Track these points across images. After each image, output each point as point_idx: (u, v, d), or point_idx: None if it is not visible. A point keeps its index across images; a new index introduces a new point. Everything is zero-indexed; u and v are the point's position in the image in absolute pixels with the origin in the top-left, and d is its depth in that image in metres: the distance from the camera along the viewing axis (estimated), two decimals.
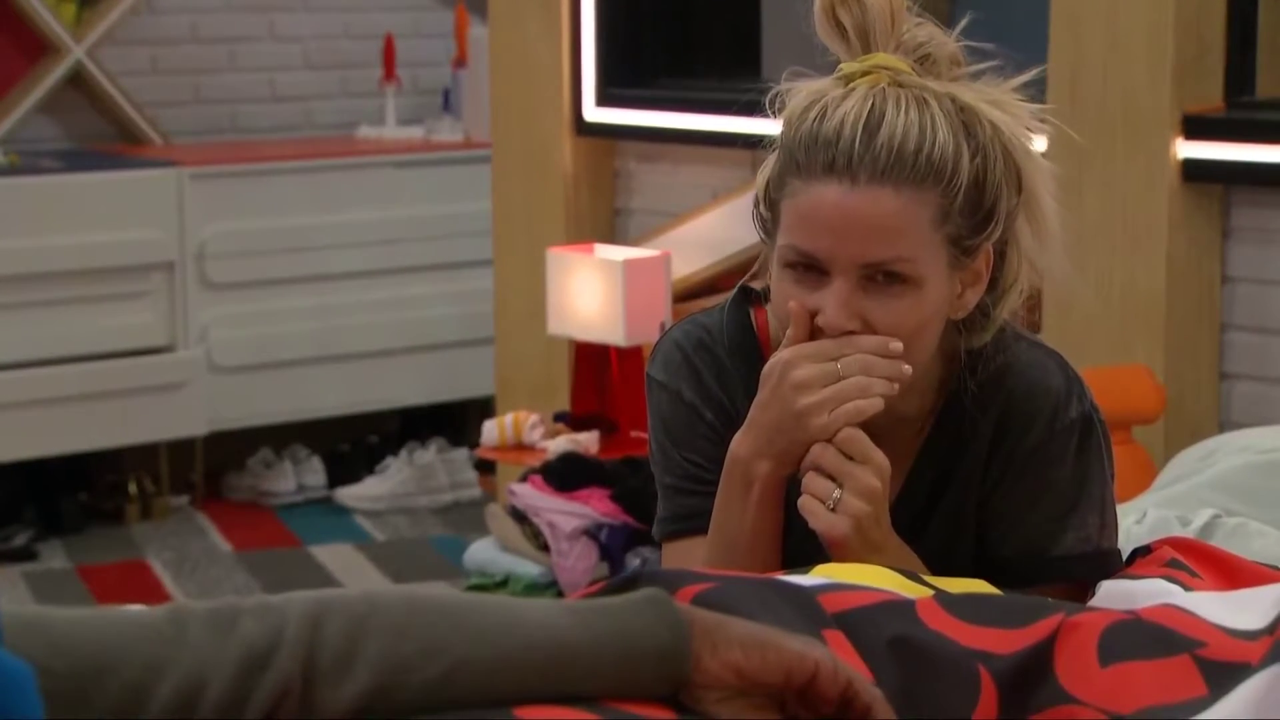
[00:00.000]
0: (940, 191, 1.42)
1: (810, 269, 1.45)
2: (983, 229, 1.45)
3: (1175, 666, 1.21)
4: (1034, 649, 1.22)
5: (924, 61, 1.46)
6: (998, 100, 1.48)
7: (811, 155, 1.43)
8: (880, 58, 1.45)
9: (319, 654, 1.01)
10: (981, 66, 1.50)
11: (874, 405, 1.43)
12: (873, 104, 1.43)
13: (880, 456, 1.44)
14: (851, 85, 1.44)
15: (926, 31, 1.48)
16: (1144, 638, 1.24)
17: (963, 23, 1.52)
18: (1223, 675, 1.19)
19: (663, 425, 1.57)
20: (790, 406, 1.43)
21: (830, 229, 1.42)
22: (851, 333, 1.44)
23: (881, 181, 1.41)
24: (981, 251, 1.46)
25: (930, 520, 1.53)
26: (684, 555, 1.55)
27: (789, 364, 1.44)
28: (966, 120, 1.44)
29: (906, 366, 1.44)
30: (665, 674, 1.09)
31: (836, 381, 1.43)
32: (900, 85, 1.44)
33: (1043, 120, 1.52)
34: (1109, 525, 1.53)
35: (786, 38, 4.21)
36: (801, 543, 1.49)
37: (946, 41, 1.48)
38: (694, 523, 1.55)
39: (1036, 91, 1.55)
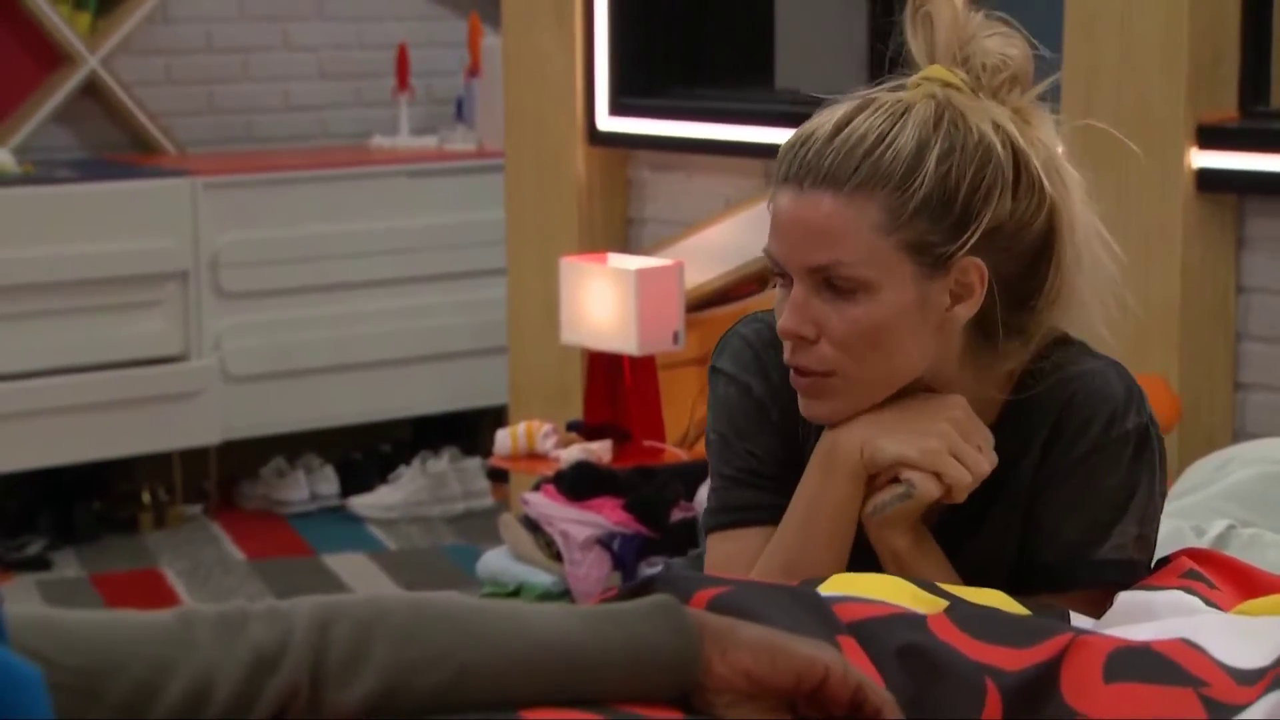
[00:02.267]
0: (888, 194, 1.43)
1: (784, 274, 1.48)
2: (956, 236, 1.44)
3: (1179, 696, 1.22)
4: (1041, 666, 1.23)
5: (971, 72, 1.48)
6: (1020, 109, 1.48)
7: (779, 163, 1.48)
8: (932, 70, 1.48)
9: (326, 657, 1.01)
10: (1003, 74, 1.50)
11: (963, 488, 1.47)
12: (844, 113, 1.46)
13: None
14: (870, 96, 1.48)
15: (983, 44, 1.49)
16: (1150, 664, 1.25)
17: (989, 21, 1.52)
18: (1225, 712, 1.21)
19: (728, 416, 1.57)
20: (930, 424, 1.46)
21: (782, 234, 1.47)
22: (804, 338, 1.46)
23: (823, 186, 1.44)
24: (964, 262, 1.45)
25: (980, 530, 1.53)
26: (733, 546, 1.55)
27: (961, 405, 1.48)
28: (950, 124, 1.44)
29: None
30: (674, 679, 1.09)
31: (976, 449, 1.47)
32: (931, 95, 1.46)
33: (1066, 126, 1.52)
34: (1145, 538, 1.52)
35: (800, 47, 4.22)
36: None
37: (991, 51, 1.48)
38: (748, 514, 1.55)
39: (1051, 101, 1.55)
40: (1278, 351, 3.17)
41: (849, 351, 1.46)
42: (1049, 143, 1.48)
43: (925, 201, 1.43)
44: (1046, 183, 1.46)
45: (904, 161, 1.43)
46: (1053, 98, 1.49)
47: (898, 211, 1.43)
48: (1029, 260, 1.48)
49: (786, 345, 1.48)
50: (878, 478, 1.48)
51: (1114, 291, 1.52)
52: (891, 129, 1.44)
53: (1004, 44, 1.49)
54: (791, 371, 1.50)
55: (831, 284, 1.45)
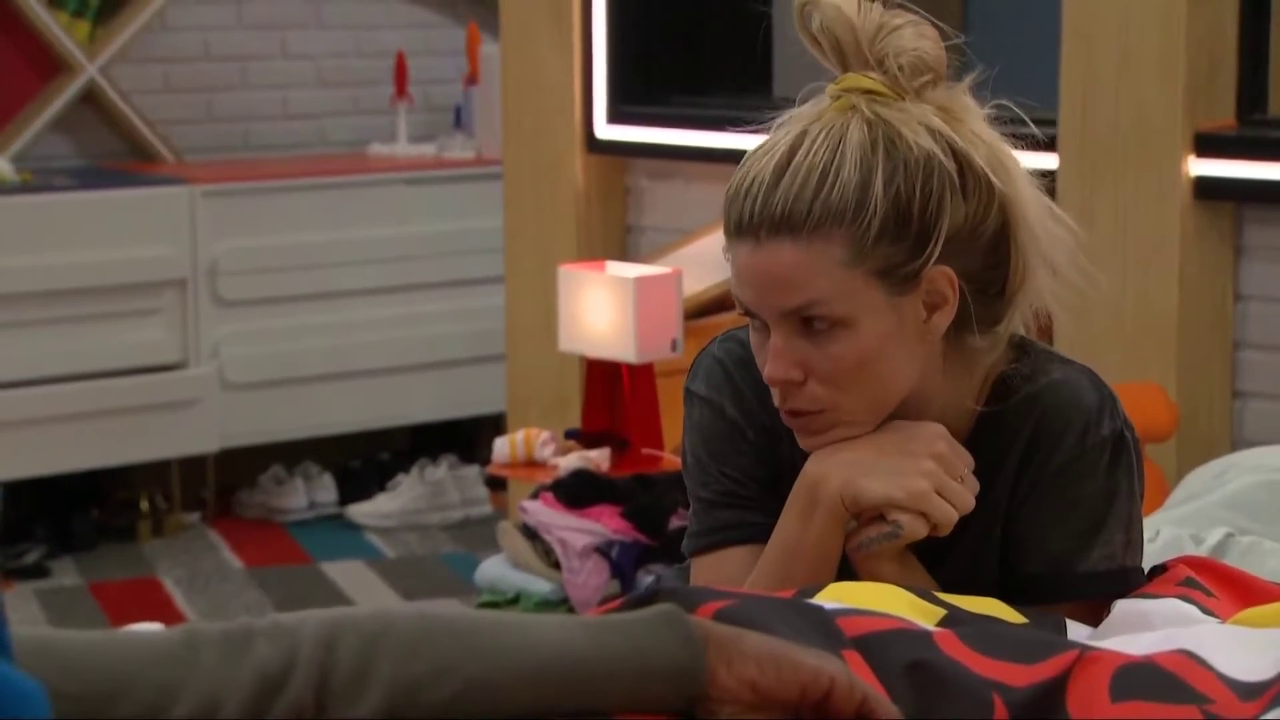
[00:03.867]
0: (846, 230, 1.42)
1: (758, 317, 1.48)
2: (919, 252, 1.43)
3: (1184, 714, 1.22)
4: (1048, 683, 1.23)
5: (888, 74, 1.46)
6: (948, 106, 1.46)
7: (728, 215, 1.47)
8: (849, 79, 1.46)
9: (332, 676, 1.01)
10: (922, 75, 1.47)
11: (949, 524, 1.47)
12: (783, 153, 1.44)
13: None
14: (802, 129, 1.45)
15: (891, 40, 1.47)
16: (1156, 681, 1.24)
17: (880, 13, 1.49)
18: None
19: (702, 439, 1.57)
20: (913, 462, 1.45)
21: (748, 284, 1.46)
22: (792, 382, 1.46)
23: (780, 234, 1.43)
24: (933, 273, 1.44)
25: (957, 542, 1.52)
26: (716, 568, 1.54)
27: (942, 436, 1.47)
28: (888, 143, 1.43)
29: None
30: (679, 690, 1.09)
31: (958, 480, 1.46)
32: (854, 107, 1.44)
33: (1010, 120, 1.50)
34: (1134, 543, 1.52)
35: (798, 55, 4.21)
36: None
37: (908, 48, 1.46)
38: (729, 534, 1.55)
39: (1048, 106, 1.53)
40: (1276, 359, 3.18)
41: (839, 386, 1.46)
42: (984, 135, 1.47)
43: (883, 227, 1.42)
44: (992, 176, 1.45)
45: (853, 193, 1.42)
46: (1049, 104, 1.47)
47: (859, 243, 1.42)
48: (990, 252, 1.47)
49: (775, 391, 1.48)
50: (862, 514, 1.48)
51: (1073, 262, 1.50)
52: (833, 162, 1.42)
53: (916, 37, 1.47)
54: (783, 413, 1.49)
55: (809, 323, 1.45)
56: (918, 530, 1.46)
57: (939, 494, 1.45)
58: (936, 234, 1.43)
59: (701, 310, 3.86)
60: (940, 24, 1.50)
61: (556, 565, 3.30)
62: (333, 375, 4.79)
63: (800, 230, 1.42)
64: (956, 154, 1.44)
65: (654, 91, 4.07)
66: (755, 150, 1.48)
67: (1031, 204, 1.48)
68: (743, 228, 1.45)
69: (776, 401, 1.49)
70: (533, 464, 3.59)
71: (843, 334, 1.44)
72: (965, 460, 1.48)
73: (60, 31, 4.76)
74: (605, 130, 4.08)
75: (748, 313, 1.49)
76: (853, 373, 1.45)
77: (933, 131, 1.44)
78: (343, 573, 4.38)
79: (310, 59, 5.23)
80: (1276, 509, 2.17)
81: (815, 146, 1.43)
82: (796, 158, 1.44)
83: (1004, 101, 1.50)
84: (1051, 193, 1.52)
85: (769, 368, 1.46)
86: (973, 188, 1.45)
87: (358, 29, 5.27)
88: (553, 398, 4.16)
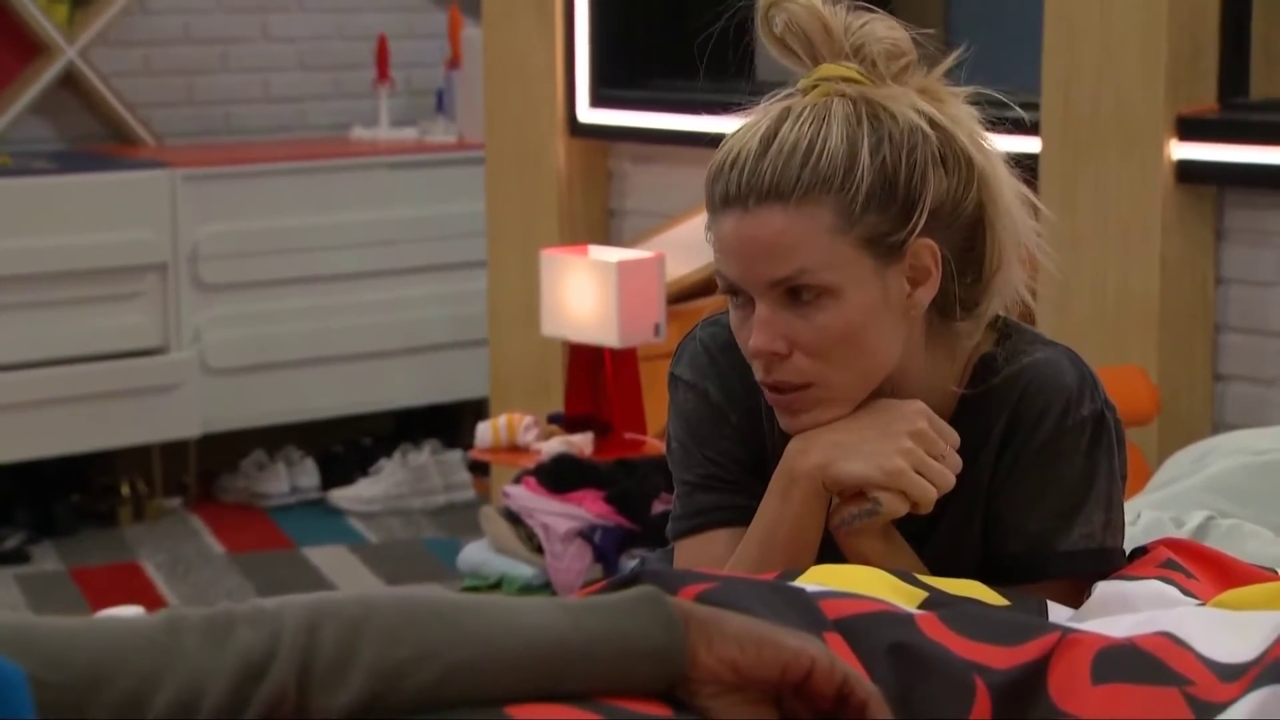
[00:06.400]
0: (835, 197, 1.43)
1: (741, 293, 1.48)
2: (905, 221, 1.45)
3: (1165, 696, 1.23)
4: (1029, 665, 1.24)
5: (865, 62, 1.48)
6: (928, 88, 1.49)
7: (713, 190, 1.48)
8: (824, 69, 1.48)
9: (314, 662, 1.01)
10: (905, 56, 1.49)
11: (929, 503, 1.47)
12: (768, 127, 1.46)
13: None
14: (786, 106, 1.47)
15: (865, 31, 1.49)
16: (1136, 663, 1.25)
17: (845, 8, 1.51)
18: (1209, 711, 1.22)
19: (686, 424, 1.58)
20: (892, 442, 1.46)
21: (735, 256, 1.47)
22: (778, 354, 1.46)
23: (769, 201, 1.44)
24: (916, 245, 1.46)
25: (940, 521, 1.53)
26: (699, 551, 1.55)
27: (923, 414, 1.47)
28: (872, 117, 1.45)
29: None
30: (660, 672, 1.09)
31: (939, 459, 1.46)
32: (842, 94, 1.46)
33: (989, 104, 1.52)
34: (1114, 523, 1.53)
35: None
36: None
37: (883, 37, 1.49)
38: (711, 516, 1.56)
39: (1030, 90, 1.55)
40: (1256, 343, 3.19)
41: (826, 359, 1.46)
42: (962, 117, 1.49)
43: (870, 194, 1.44)
44: (975, 154, 1.47)
45: (841, 161, 1.43)
46: (1031, 88, 1.49)
47: (848, 209, 1.44)
48: (968, 233, 1.49)
49: (758, 364, 1.48)
50: (843, 492, 1.49)
51: (1041, 249, 1.52)
52: (819, 133, 1.44)
53: (887, 28, 1.50)
54: (767, 390, 1.49)
55: (795, 294, 1.45)
56: (897, 508, 1.46)
57: (918, 472, 1.46)
58: (921, 204, 1.45)
59: (684, 294, 3.86)
60: (904, 22, 1.53)
61: (539, 550, 3.31)
62: (314, 360, 4.78)
63: (790, 197, 1.43)
64: (938, 129, 1.46)
65: (636, 75, 4.06)
66: (737, 129, 1.49)
67: (1006, 187, 1.50)
68: (729, 198, 1.46)
69: (759, 376, 1.49)
70: (515, 449, 3.59)
71: (829, 304, 1.45)
72: (949, 438, 1.49)
73: (39, 14, 4.73)
74: (587, 114, 4.07)
75: (729, 290, 1.49)
76: (838, 344, 1.46)
77: (916, 109, 1.46)
78: (325, 558, 4.38)
79: (291, 42, 5.21)
80: (1257, 492, 2.18)
81: (801, 120, 1.45)
82: (782, 131, 1.45)
83: (985, 90, 1.52)
84: (1033, 176, 1.53)
85: (754, 339, 1.47)
86: (953, 164, 1.47)
87: (339, 12, 5.25)
88: (535, 382, 4.16)
